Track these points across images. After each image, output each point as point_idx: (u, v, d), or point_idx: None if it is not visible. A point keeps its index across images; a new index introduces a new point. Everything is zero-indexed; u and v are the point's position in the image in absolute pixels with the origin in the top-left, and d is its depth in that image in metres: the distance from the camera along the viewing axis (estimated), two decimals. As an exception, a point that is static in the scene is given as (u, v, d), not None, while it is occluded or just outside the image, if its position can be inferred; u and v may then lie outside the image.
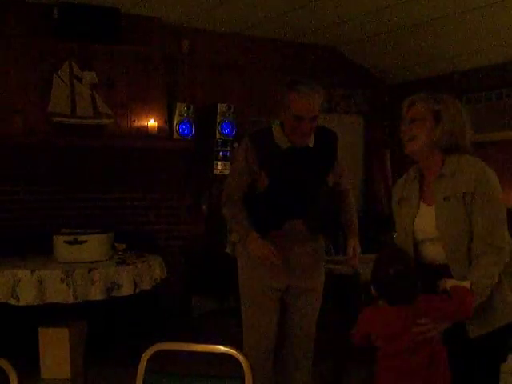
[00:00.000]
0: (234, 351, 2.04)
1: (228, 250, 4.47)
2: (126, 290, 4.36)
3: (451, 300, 2.47)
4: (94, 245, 4.62)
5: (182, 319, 5.18)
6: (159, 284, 4.81)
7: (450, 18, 6.30)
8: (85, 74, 5.94)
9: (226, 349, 2.10)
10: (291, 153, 3.36)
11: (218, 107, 6.52)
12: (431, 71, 7.68)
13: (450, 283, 2.53)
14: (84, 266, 4.37)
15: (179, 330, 4.59)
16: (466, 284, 2.50)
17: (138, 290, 4.45)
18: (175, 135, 6.34)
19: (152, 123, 6.32)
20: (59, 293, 4.26)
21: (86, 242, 4.60)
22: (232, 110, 6.60)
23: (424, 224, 2.76)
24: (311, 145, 3.40)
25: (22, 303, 4.26)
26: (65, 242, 4.62)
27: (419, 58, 7.45)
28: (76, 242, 4.59)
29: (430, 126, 2.75)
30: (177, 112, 6.35)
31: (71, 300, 4.27)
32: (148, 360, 2.16)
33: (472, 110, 7.52)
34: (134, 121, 6.34)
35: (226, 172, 6.03)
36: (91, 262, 4.50)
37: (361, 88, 7.98)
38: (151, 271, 4.63)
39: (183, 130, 6.34)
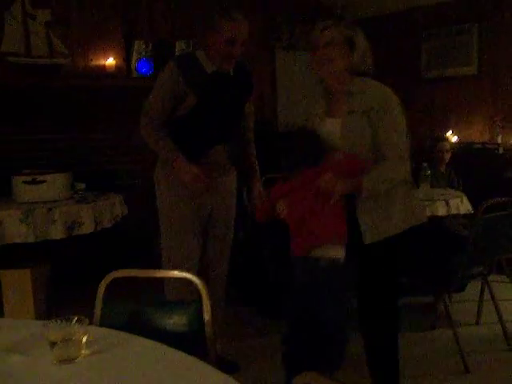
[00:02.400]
0: (191, 275, 2.05)
1: None
2: (87, 228, 4.32)
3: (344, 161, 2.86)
4: (53, 184, 4.56)
5: (143, 258, 5.18)
6: (121, 222, 4.79)
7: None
8: (38, 12, 5.77)
9: (182, 274, 2.11)
10: (216, 77, 3.44)
11: (177, 44, 6.39)
12: (391, 7, 7.65)
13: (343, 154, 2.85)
14: (43, 206, 4.32)
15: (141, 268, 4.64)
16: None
17: (99, 228, 4.42)
18: (134, 73, 6.24)
19: (110, 61, 6.22)
20: (19, 233, 4.20)
21: (44, 181, 4.53)
22: (191, 46, 6.47)
23: (329, 134, 2.95)
24: (232, 73, 3.51)
25: (-19, 245, 4.22)
26: (23, 182, 4.55)
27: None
28: (35, 181, 4.52)
29: (344, 50, 2.93)
30: (135, 49, 6.23)
31: (32, 239, 4.21)
32: (108, 292, 2.17)
33: (432, 45, 7.54)
34: (92, 59, 6.23)
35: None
36: (51, 202, 4.45)
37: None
38: (112, 209, 4.59)
39: (142, 68, 6.24)
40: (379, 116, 2.85)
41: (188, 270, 3.08)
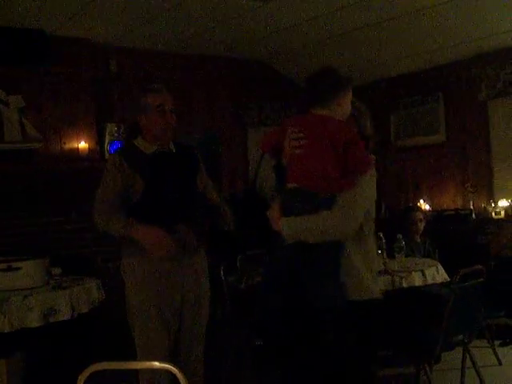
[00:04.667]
0: (170, 366, 2.04)
1: None
2: (64, 315, 4.26)
3: None
4: (29, 271, 4.50)
5: (122, 341, 5.15)
6: (97, 307, 4.73)
7: (373, 28, 6.47)
8: (11, 98, 5.86)
9: (162, 365, 2.10)
10: (157, 157, 3.48)
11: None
12: (358, 79, 7.83)
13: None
14: (19, 294, 4.26)
15: (121, 353, 4.58)
16: None
17: (75, 314, 4.36)
18: (107, 156, 6.30)
19: (83, 145, 6.28)
20: (-6, 322, 4.15)
21: (20, 268, 4.49)
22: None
23: None
24: (174, 150, 3.56)
25: (-45, 336, 4.14)
26: (-1, 270, 4.51)
27: (346, 67, 7.58)
28: (10, 269, 4.48)
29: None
30: (107, 132, 6.33)
31: (7, 329, 4.13)
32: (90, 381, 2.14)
33: (400, 115, 7.72)
34: (65, 143, 6.29)
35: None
36: (26, 289, 4.39)
37: (290, 100, 8.05)
38: (88, 294, 4.53)
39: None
40: None
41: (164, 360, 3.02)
